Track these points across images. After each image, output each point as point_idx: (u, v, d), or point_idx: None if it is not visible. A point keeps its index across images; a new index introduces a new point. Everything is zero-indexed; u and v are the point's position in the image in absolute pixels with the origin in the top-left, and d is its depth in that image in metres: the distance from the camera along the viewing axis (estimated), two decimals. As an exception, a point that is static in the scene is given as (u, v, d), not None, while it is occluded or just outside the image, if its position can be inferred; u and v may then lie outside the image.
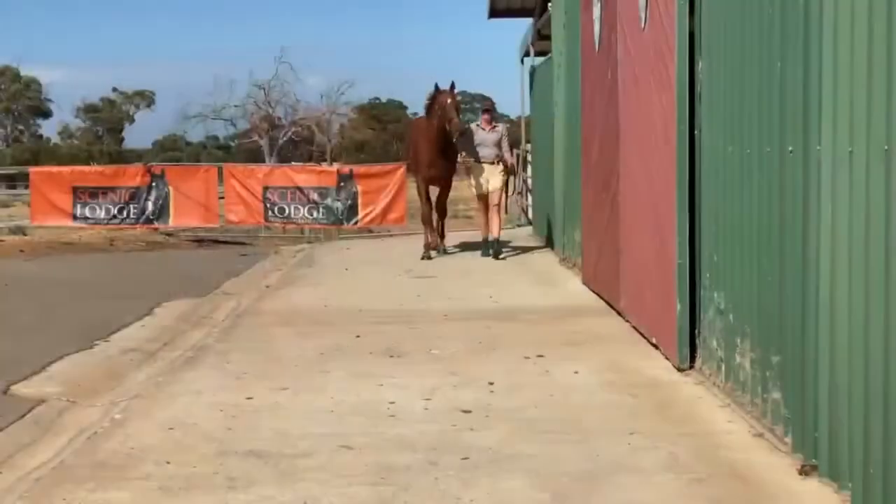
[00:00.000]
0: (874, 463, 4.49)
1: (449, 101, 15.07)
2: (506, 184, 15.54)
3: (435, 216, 16.34)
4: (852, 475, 4.72)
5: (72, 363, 8.45)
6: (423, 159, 15.81)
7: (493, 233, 15.39)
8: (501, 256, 15.39)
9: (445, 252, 16.16)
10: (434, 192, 16.36)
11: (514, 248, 16.65)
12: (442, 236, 16.49)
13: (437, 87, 15.35)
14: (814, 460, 5.13)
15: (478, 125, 15.45)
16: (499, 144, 15.36)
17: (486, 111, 15.90)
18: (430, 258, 15.57)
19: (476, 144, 15.26)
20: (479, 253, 15.82)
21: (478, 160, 15.29)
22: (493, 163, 15.29)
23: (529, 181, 21.49)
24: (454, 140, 15.20)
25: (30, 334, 9.74)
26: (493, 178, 15.28)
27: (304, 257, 16.97)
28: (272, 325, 10.01)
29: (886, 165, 4.38)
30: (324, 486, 5.25)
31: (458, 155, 15.63)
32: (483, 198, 15.40)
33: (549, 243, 16.52)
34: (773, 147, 5.72)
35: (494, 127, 15.53)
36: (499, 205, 15.39)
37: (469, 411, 6.59)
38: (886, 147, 4.38)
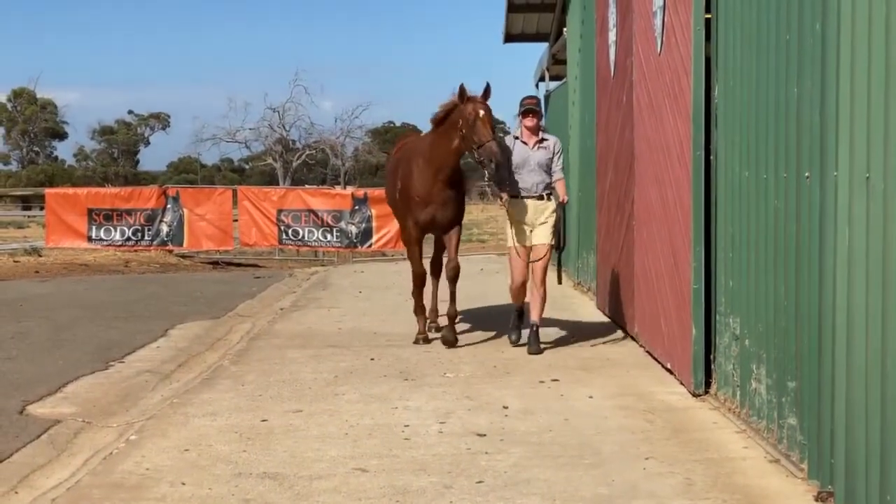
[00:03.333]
0: (892, 491, 4.47)
1: (480, 112, 9.48)
2: (556, 232, 9.73)
3: (433, 282, 11.09)
4: (869, 503, 4.69)
5: (87, 384, 8.48)
6: (418, 193, 10.01)
7: (533, 315, 9.65)
8: (543, 347, 9.64)
9: (454, 343, 9.93)
10: (434, 240, 11.15)
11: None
12: (452, 318, 10.14)
13: (463, 89, 9.58)
14: (830, 487, 5.11)
15: (516, 137, 9.78)
16: (548, 168, 9.67)
17: (528, 113, 9.73)
18: (427, 341, 10.16)
19: (513, 168, 9.64)
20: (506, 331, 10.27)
21: (514, 194, 9.64)
22: (539, 197, 9.62)
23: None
24: (489, 174, 9.47)
25: (45, 354, 9.77)
26: (538, 223, 9.64)
27: (318, 280, 16.99)
28: (286, 347, 10.02)
29: (904, 191, 4.38)
30: (339, 509, 5.25)
31: (479, 182, 10.64)
32: (522, 252, 9.69)
33: (563, 268, 16.51)
34: (789, 172, 5.72)
35: (542, 141, 9.74)
36: (543, 269, 9.69)
37: (484, 435, 6.58)
38: (904, 173, 4.39)
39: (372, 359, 9.28)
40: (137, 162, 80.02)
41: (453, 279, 10.07)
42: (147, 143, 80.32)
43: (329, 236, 20.75)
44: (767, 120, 6.09)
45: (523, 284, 9.71)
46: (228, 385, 8.30)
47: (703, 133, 7.40)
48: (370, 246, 20.83)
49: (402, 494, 5.47)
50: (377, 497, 5.44)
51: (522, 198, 9.63)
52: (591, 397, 7.62)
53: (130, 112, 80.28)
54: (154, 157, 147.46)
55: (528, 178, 9.63)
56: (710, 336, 7.45)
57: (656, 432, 6.60)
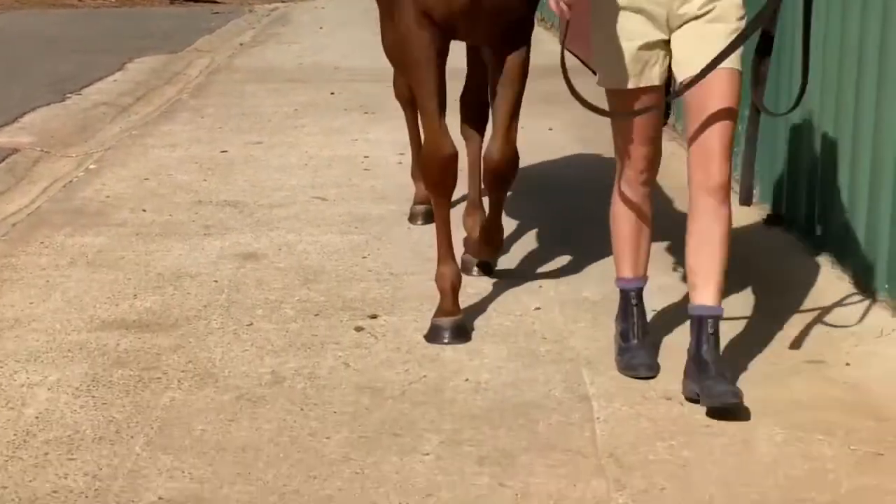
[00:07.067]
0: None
1: None
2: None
3: (473, 144, 5.00)
4: (808, 221, 4.85)
5: (44, 115, 8.40)
6: None
7: (703, 296, 3.48)
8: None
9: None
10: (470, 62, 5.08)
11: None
12: (495, 251, 4.66)
13: None
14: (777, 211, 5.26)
15: None
16: None
17: None
18: (460, 332, 4.01)
19: None
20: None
21: None
22: None
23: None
24: None
25: (0, 87, 9.62)
26: (689, 14, 3.49)
27: (279, 16, 16.65)
28: (246, 81, 9.93)
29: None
30: (298, 234, 5.34)
31: None
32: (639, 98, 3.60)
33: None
34: None
35: None
36: (725, 146, 3.44)
37: (443, 165, 6.62)
38: None
39: (332, 93, 9.22)
40: None
41: (500, 180, 4.38)
42: None
43: (289, -29, 20.14)
44: None
45: (646, 195, 3.81)
46: (187, 118, 8.26)
47: None
48: (331, -18, 20.27)
49: (361, 222, 5.56)
50: (337, 224, 5.52)
51: None
52: (550, 129, 7.64)
53: None
54: None
55: None
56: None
57: (612, 161, 6.64)
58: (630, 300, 3.83)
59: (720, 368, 3.39)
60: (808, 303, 4.32)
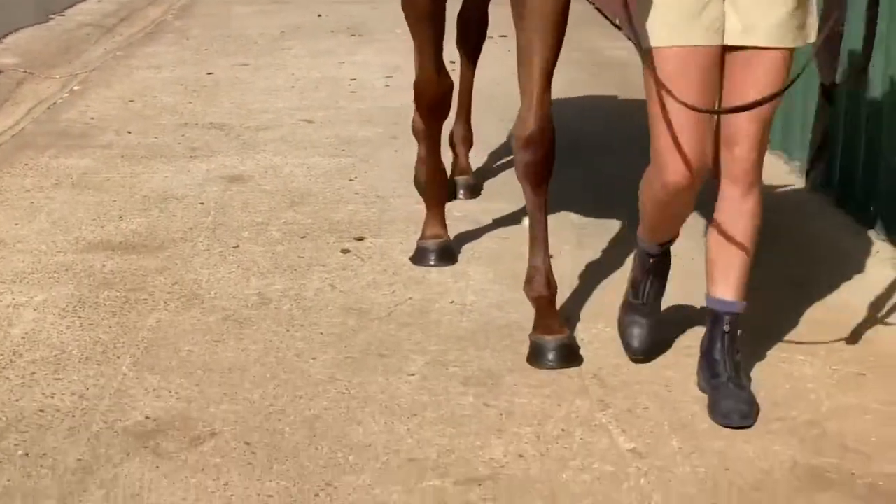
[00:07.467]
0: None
1: None
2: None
3: (465, 68, 5.01)
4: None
5: (27, 36, 8.30)
6: None
7: (721, 288, 3.07)
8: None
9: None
10: None
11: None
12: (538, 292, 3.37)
13: None
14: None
15: None
16: None
17: None
18: (446, 255, 4.05)
19: None
20: None
21: None
22: None
23: None
24: None
25: (-18, 8, 9.50)
26: (753, 13, 2.83)
27: (265, -64, 16.43)
28: (232, 3, 9.84)
29: None
30: (285, 157, 5.33)
31: None
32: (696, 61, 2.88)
33: None
34: None
35: None
36: (760, 140, 2.95)
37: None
38: None
39: (319, 15, 9.16)
40: None
41: (533, 164, 3.39)
42: None
43: None
44: None
45: (697, 175, 2.96)
46: (172, 39, 8.20)
47: None
48: None
49: (348, 144, 5.54)
50: (324, 146, 5.51)
51: None
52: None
53: None
54: None
55: None
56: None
57: (603, 82, 6.62)
58: (652, 261, 3.32)
59: (732, 371, 3.05)
60: (794, 226, 4.34)
